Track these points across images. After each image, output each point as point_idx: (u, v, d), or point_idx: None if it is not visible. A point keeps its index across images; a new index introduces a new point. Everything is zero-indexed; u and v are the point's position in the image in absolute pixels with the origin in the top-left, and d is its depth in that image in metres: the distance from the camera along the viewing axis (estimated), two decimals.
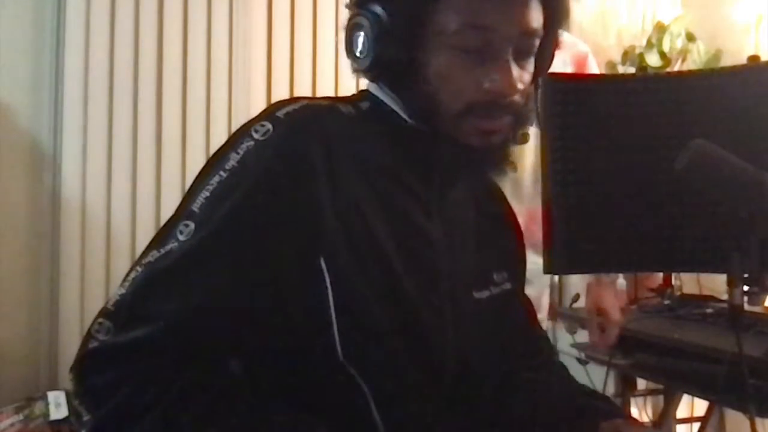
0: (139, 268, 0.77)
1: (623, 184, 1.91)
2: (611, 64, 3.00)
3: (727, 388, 1.42)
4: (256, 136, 0.80)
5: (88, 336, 0.75)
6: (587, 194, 1.88)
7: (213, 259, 0.76)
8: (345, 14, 0.89)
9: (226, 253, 0.76)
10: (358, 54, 0.85)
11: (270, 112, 0.83)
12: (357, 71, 0.87)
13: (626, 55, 2.94)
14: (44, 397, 2.50)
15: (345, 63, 0.90)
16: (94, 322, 0.76)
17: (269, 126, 0.80)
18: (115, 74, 2.84)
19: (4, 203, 2.78)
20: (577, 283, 2.92)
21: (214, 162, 0.81)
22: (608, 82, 2.36)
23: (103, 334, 0.74)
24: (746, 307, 1.79)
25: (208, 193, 0.78)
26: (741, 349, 0.95)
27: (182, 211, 0.79)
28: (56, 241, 2.79)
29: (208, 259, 0.76)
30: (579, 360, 2.67)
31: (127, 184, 2.85)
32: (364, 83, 0.94)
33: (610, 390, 2.28)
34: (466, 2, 0.80)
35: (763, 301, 1.95)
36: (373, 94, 0.90)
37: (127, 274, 0.78)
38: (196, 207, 0.78)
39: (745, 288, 0.96)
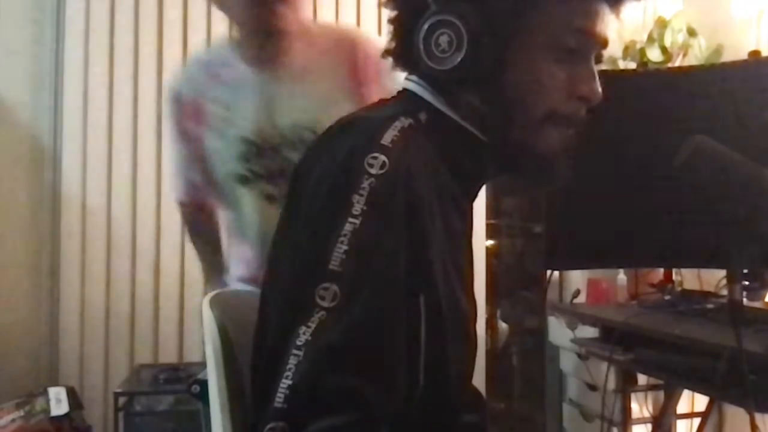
0: (296, 352, 0.67)
1: (624, 180, 1.91)
2: (612, 60, 2.99)
3: (727, 383, 1.42)
4: (372, 171, 0.72)
5: None
6: (587, 190, 1.88)
7: (386, 325, 0.70)
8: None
9: (393, 316, 0.71)
10: (439, 54, 0.79)
11: (370, 140, 0.75)
12: (435, 73, 0.81)
13: (627, 50, 2.93)
14: (45, 393, 2.50)
15: None
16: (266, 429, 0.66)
17: (383, 158, 0.73)
18: (115, 73, 2.84)
19: (5, 201, 2.79)
20: (577, 278, 2.92)
21: (331, 206, 0.73)
22: (609, 77, 2.34)
23: None
24: (746, 302, 1.79)
25: (345, 247, 0.70)
26: (741, 345, 0.95)
27: (309, 268, 0.71)
28: (56, 238, 2.80)
29: (382, 326, 0.70)
30: (579, 355, 2.67)
31: (127, 182, 2.85)
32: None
33: (611, 385, 2.28)
34: (570, 4, 0.79)
35: (763, 297, 1.95)
36: (428, 102, 0.84)
37: (279, 362, 0.68)
38: (334, 265, 0.69)
39: (745, 283, 0.96)
